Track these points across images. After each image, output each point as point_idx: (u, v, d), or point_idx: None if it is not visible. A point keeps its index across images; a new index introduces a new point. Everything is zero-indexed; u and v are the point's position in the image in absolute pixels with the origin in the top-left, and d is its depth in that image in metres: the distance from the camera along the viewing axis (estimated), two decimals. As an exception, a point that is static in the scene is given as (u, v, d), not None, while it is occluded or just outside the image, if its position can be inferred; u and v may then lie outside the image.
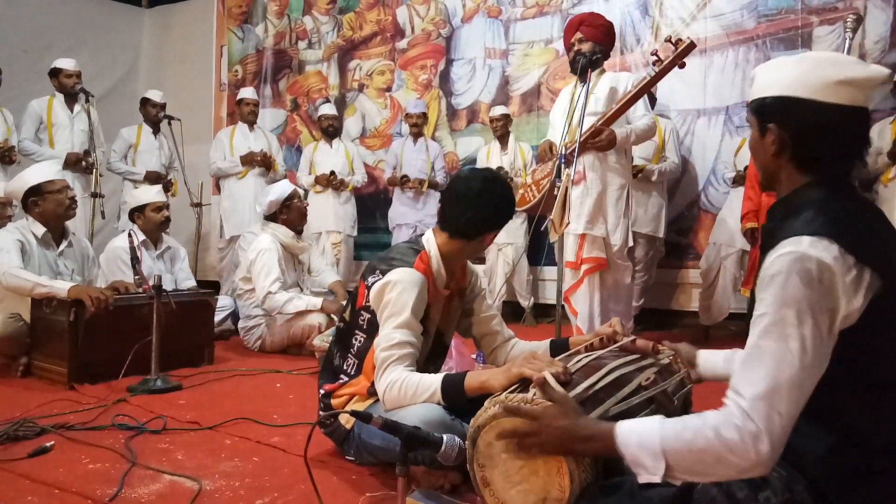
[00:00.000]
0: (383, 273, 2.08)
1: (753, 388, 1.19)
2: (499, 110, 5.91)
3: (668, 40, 3.75)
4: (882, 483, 1.25)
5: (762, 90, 1.37)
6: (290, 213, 4.48)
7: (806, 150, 1.33)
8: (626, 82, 3.92)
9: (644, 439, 1.26)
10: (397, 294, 2.01)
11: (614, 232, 3.92)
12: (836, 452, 1.27)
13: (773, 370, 1.18)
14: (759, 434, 1.16)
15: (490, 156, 5.87)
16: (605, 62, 4.07)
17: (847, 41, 3.21)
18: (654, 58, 3.78)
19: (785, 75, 1.33)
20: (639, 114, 3.95)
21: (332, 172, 6.15)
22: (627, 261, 4.11)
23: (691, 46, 3.68)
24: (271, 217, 4.53)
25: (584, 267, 3.93)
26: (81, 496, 1.94)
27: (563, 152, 3.87)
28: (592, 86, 3.93)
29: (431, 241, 2.17)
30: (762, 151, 1.39)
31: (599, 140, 3.79)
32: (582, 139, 3.74)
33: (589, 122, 3.81)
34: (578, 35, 3.95)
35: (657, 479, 1.24)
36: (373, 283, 2.09)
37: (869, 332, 1.21)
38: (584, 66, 3.85)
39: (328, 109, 6.53)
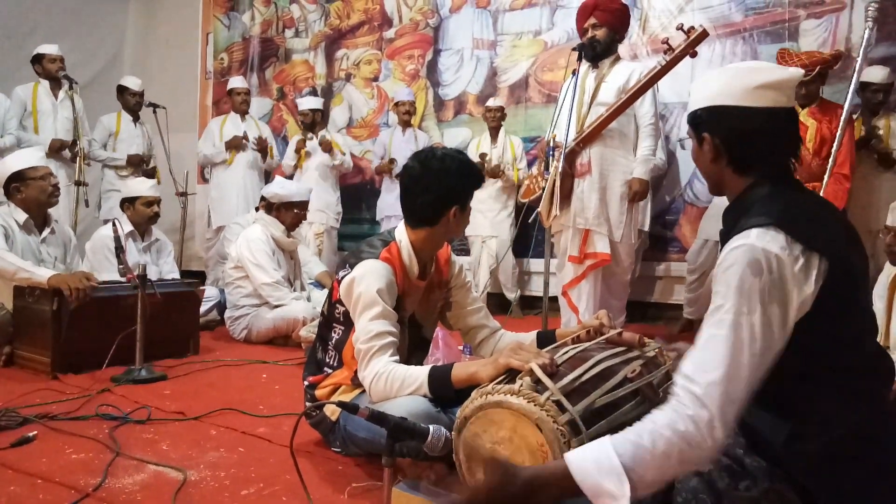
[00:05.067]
0: (352, 267, 2.08)
1: (707, 374, 1.20)
2: (496, 102, 5.88)
3: (680, 28, 3.66)
4: (853, 468, 1.27)
5: (696, 103, 1.46)
6: (287, 215, 4.47)
7: (739, 153, 1.41)
8: (640, 73, 3.83)
9: (601, 463, 1.18)
10: (365, 287, 2.01)
11: (618, 228, 3.91)
12: (803, 441, 1.29)
13: (726, 357, 1.20)
14: (713, 420, 1.18)
15: (479, 148, 5.84)
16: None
17: (866, 29, 3.17)
18: (665, 46, 3.69)
19: (712, 86, 1.42)
20: (645, 109, 3.89)
21: (309, 137, 6.10)
22: (631, 257, 4.11)
23: (703, 35, 3.60)
24: (267, 208, 4.51)
25: (587, 262, 3.93)
26: (65, 486, 1.92)
27: (552, 145, 3.87)
28: (605, 74, 3.90)
29: (402, 232, 2.17)
30: (702, 160, 1.47)
31: (637, 195, 3.88)
32: (590, 130, 3.71)
33: (597, 111, 3.79)
34: (592, 20, 3.86)
35: (625, 502, 1.15)
36: (342, 278, 2.09)
37: (823, 318, 1.25)
38: (600, 53, 3.83)
39: (305, 104, 6.30)
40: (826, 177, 3.33)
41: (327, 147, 6.02)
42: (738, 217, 1.35)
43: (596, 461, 1.19)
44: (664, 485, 1.23)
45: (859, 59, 3.20)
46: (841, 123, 3.30)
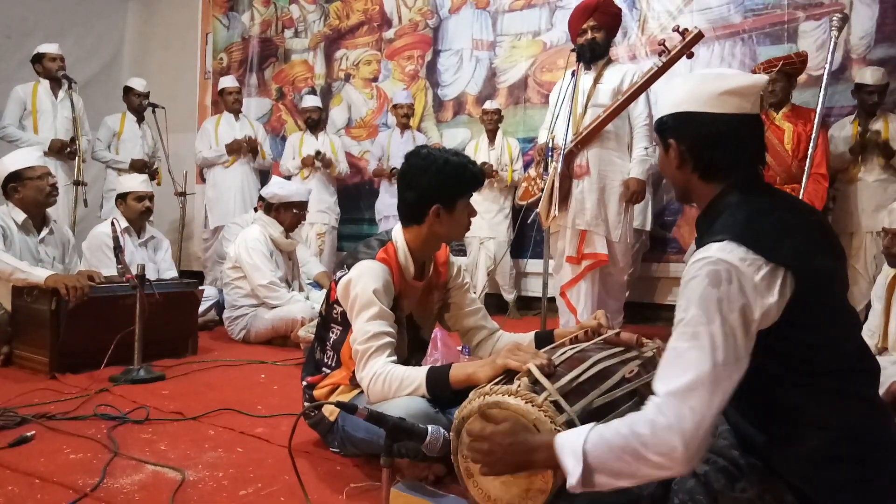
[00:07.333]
0: (349, 268, 2.08)
1: (666, 385, 1.23)
2: (492, 104, 5.90)
3: (676, 30, 3.68)
4: (847, 469, 1.27)
5: (662, 110, 1.46)
6: (286, 216, 4.47)
7: (704, 159, 1.41)
8: (633, 74, 3.86)
9: (572, 443, 1.28)
10: (361, 288, 2.01)
11: (615, 228, 3.92)
12: (794, 444, 1.29)
13: (684, 368, 1.21)
14: (671, 428, 1.18)
15: (478, 150, 5.85)
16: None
17: (832, 39, 3.24)
18: (661, 48, 3.71)
19: (678, 93, 1.42)
20: (639, 110, 3.90)
21: (318, 152, 6.08)
22: (628, 257, 4.12)
23: (699, 36, 3.63)
24: (266, 208, 4.52)
25: (584, 263, 3.94)
26: (63, 486, 1.92)
27: (551, 145, 3.87)
28: (598, 76, 3.92)
29: (399, 233, 2.18)
30: (668, 167, 1.48)
31: (635, 195, 3.87)
32: (588, 132, 3.72)
33: (593, 113, 3.80)
34: (591, 22, 3.87)
35: (574, 481, 1.24)
36: (339, 279, 2.09)
37: (795, 326, 1.25)
38: (598, 55, 3.86)
39: (309, 102, 6.40)
40: (804, 178, 3.36)
41: (328, 164, 6.12)
42: (709, 226, 1.36)
43: (569, 440, 1.29)
44: (634, 482, 1.27)
45: (827, 66, 3.23)
46: (815, 125, 3.31)
